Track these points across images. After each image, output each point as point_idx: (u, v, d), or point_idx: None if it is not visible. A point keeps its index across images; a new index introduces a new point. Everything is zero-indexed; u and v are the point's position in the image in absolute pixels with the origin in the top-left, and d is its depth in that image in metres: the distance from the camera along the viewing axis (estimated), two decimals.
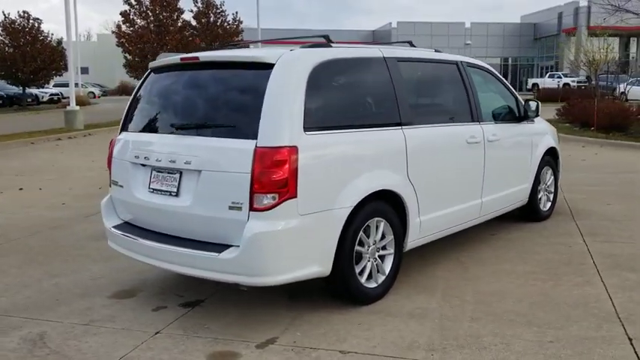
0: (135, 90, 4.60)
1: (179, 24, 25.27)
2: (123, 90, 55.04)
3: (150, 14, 24.16)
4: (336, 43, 4.33)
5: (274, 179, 3.52)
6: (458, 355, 3.42)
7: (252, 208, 3.56)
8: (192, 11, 30.87)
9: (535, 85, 51.36)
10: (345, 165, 3.94)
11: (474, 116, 5.23)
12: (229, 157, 3.67)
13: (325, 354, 3.46)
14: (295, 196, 3.60)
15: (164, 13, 24.32)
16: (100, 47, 68.17)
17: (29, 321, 4.03)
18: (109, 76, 63.85)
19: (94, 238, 6.16)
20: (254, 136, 3.60)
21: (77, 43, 19.95)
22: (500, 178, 5.58)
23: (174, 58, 4.29)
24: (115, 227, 4.38)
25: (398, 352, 3.47)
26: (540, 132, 6.43)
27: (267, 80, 3.68)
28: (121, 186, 4.33)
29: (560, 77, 45.71)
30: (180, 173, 3.91)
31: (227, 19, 32.19)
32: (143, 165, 4.15)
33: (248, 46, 5.32)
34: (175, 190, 3.92)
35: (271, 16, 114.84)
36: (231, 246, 3.68)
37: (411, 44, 5.22)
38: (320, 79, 3.89)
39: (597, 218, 6.66)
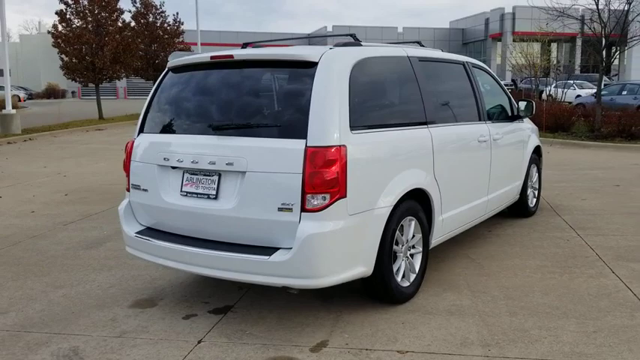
0: (153, 90, 4.39)
1: (119, 24, 24.37)
2: (51, 93, 52.63)
3: (88, 14, 23.17)
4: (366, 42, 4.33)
5: (326, 179, 3.47)
6: (514, 349, 3.48)
7: (303, 209, 3.49)
8: (130, 12, 29.97)
9: None
10: (386, 164, 3.93)
11: (481, 115, 5.36)
12: (277, 157, 3.58)
13: (384, 354, 3.44)
14: (345, 196, 3.56)
15: (103, 13, 23.39)
16: (23, 48, 64.95)
17: (54, 336, 3.78)
18: (34, 78, 60.96)
19: (85, 246, 5.87)
20: (302, 136, 3.53)
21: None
22: (502, 175, 5.74)
23: (202, 56, 4.15)
24: (138, 233, 4.18)
25: (454, 349, 3.49)
26: (529, 131, 6.66)
27: (311, 78, 3.62)
28: (145, 190, 4.14)
29: None
30: (219, 175, 3.78)
31: (167, 20, 31.44)
32: (174, 167, 3.98)
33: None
34: (214, 192, 3.79)
35: (201, 18, 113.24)
36: (278, 248, 3.60)
37: (420, 44, 5.27)
38: (359, 77, 3.86)
39: (579, 213, 6.96)
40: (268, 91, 3.97)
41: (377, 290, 4.05)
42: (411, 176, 4.15)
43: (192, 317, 4.07)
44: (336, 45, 4.04)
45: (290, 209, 3.52)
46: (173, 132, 4.13)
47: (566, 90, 24.20)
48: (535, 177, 6.93)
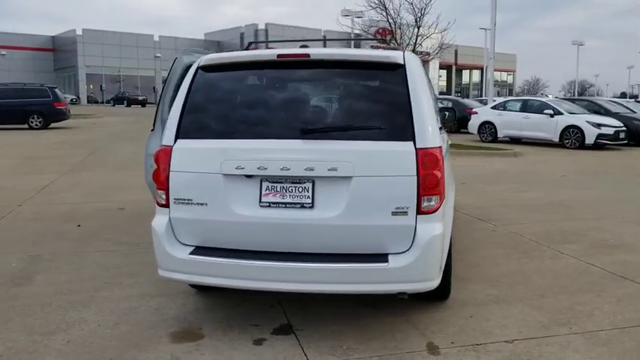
0: (185, 91, 3.77)
1: None
2: None
3: None
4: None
5: (436, 180, 3.48)
6: (583, 323, 3.91)
7: (419, 212, 3.44)
8: None
9: None
10: (448, 163, 4.07)
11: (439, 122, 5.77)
12: (387, 160, 3.45)
13: (497, 346, 3.56)
14: (445, 197, 3.62)
15: None
16: None
17: None
18: None
19: (12, 284, 4.75)
20: (407, 138, 3.47)
21: None
22: (450, 181, 6.23)
23: (267, 53, 3.76)
24: (194, 254, 3.60)
25: (543, 332, 3.77)
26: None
27: (403, 80, 3.58)
28: (202, 204, 3.58)
29: None
30: (313, 182, 3.49)
31: None
32: (248, 176, 3.54)
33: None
34: (309, 201, 3.48)
35: None
36: (386, 254, 3.48)
37: (386, 42, 5.45)
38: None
39: (465, 207, 7.87)
40: (353, 93, 3.77)
41: (438, 288, 4.13)
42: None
43: (264, 342, 3.66)
44: (389, 48, 4.04)
45: (405, 212, 3.44)
46: (240, 137, 3.64)
47: None
48: None
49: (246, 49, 4.40)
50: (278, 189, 3.52)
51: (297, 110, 3.70)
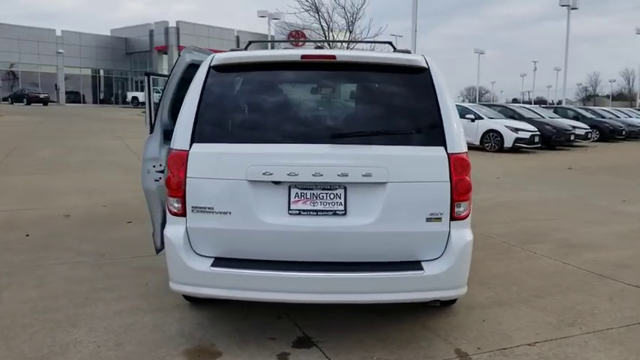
0: (198, 92, 3.48)
1: None
2: None
3: None
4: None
5: (467, 186, 3.44)
6: (595, 323, 4.01)
7: (452, 218, 3.40)
8: None
9: (135, 98, 52.50)
10: None
11: None
12: (421, 165, 3.37)
13: (523, 350, 3.58)
14: (471, 203, 3.60)
15: None
16: None
17: None
18: None
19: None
20: (438, 143, 3.41)
21: None
22: None
23: (288, 53, 3.55)
24: (218, 266, 3.34)
25: (558, 333, 3.83)
26: None
27: (429, 84, 3.51)
28: (225, 212, 3.34)
29: (159, 92, 47.60)
30: (345, 188, 3.35)
31: None
32: (276, 183, 3.33)
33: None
34: (342, 208, 3.33)
35: None
36: (419, 262, 3.41)
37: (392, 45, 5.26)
38: None
39: None
40: (380, 96, 3.63)
41: None
42: None
43: (288, 356, 3.47)
44: (403, 51, 3.96)
45: (439, 219, 3.38)
46: (266, 141, 3.41)
47: None
48: None
49: (246, 48, 4.17)
50: (308, 196, 3.34)
51: (324, 114, 3.55)
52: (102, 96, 60.64)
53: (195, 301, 4.17)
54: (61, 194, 8.75)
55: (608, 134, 25.47)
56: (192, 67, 3.98)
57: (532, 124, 19.75)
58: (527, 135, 18.71)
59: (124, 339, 3.66)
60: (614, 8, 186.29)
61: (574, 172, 13.63)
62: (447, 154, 3.39)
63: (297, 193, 3.34)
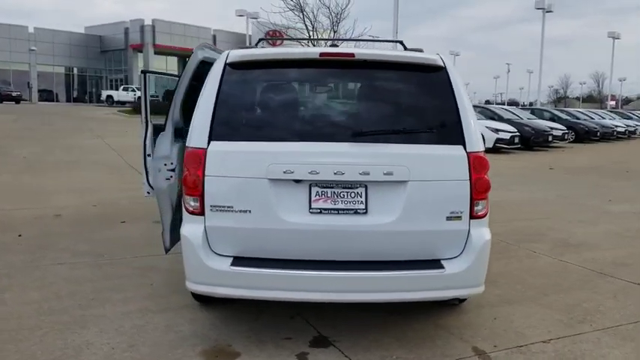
0: (215, 89, 3.42)
1: None
2: None
3: None
4: None
5: (486, 185, 3.46)
6: (604, 320, 4.06)
7: (472, 216, 3.41)
8: None
9: (110, 96, 51.69)
10: None
11: None
12: (441, 164, 3.38)
13: (539, 347, 3.60)
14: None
15: None
16: None
17: None
18: None
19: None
20: (457, 141, 3.42)
21: None
22: None
23: (305, 51, 3.52)
24: (237, 265, 3.30)
25: (569, 330, 3.87)
26: None
27: (447, 82, 3.51)
28: (245, 211, 3.30)
29: (135, 90, 47.21)
30: (365, 187, 3.34)
31: None
32: (297, 181, 3.30)
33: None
34: (363, 206, 3.32)
35: None
36: (439, 260, 3.42)
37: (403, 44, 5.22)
38: None
39: None
40: (398, 95, 3.62)
41: None
42: None
43: (307, 355, 3.44)
44: (415, 49, 3.97)
45: (459, 217, 3.39)
46: (286, 139, 3.37)
47: None
48: None
49: (256, 45, 4.13)
50: (329, 194, 3.32)
51: (343, 112, 3.53)
52: (75, 94, 59.58)
53: (205, 302, 4.12)
54: (49, 194, 8.58)
55: (583, 135, 25.94)
56: (205, 65, 3.93)
57: (511, 125, 20.02)
58: (507, 136, 18.96)
59: (138, 340, 3.59)
60: (585, 11, 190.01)
61: (556, 172, 13.85)
62: (467, 152, 3.40)
63: (317, 192, 3.32)
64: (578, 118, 28.27)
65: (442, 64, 3.57)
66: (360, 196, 3.33)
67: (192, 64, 4.02)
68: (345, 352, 3.49)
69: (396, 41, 4.29)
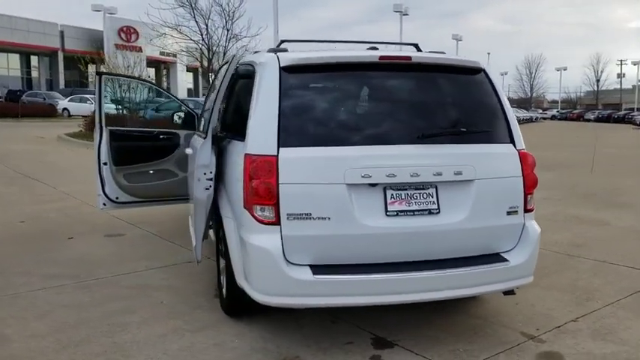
0: (275, 95, 3.28)
1: None
2: None
3: None
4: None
5: (536, 180, 3.70)
6: (605, 297, 4.44)
7: (526, 210, 3.63)
8: None
9: None
10: None
11: None
12: (499, 162, 3.57)
13: (574, 326, 3.89)
14: None
15: None
16: None
17: None
18: None
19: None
20: (507, 140, 3.63)
21: None
22: None
23: (364, 54, 3.49)
24: (319, 273, 3.20)
25: (588, 308, 4.23)
26: None
27: (489, 84, 3.71)
28: (324, 218, 3.21)
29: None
30: (436, 187, 3.41)
31: None
32: (372, 185, 3.28)
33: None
34: (436, 207, 3.38)
35: None
36: (497, 253, 3.60)
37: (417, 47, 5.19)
38: None
39: None
40: (451, 96, 3.73)
41: None
42: None
43: (379, 357, 3.45)
44: (437, 52, 4.10)
45: (516, 212, 3.59)
46: (359, 143, 3.32)
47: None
48: None
49: (278, 47, 4.01)
50: (403, 196, 3.36)
51: (407, 114, 3.57)
52: None
53: (235, 315, 3.95)
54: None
55: None
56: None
57: None
58: None
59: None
60: (430, 13, 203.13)
61: None
62: (517, 150, 3.61)
63: (392, 195, 3.34)
64: None
65: (482, 67, 3.76)
66: (432, 197, 3.40)
67: (230, 71, 3.82)
68: (414, 350, 3.53)
69: (411, 44, 4.38)
